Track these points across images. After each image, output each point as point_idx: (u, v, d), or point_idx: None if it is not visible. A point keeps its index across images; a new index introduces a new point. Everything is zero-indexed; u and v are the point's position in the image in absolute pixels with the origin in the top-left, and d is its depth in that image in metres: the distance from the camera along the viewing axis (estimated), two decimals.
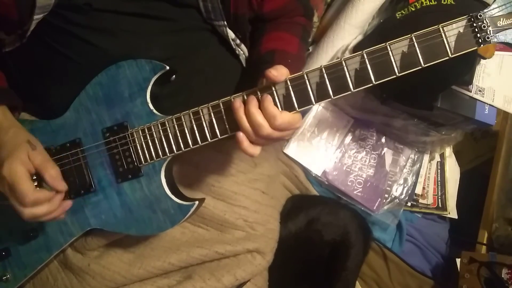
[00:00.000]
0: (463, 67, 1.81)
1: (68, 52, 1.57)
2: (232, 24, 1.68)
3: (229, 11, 1.62)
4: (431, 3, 1.82)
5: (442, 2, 1.81)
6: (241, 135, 1.36)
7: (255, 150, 1.38)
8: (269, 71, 1.33)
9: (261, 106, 1.34)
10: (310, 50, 2.24)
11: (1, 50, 1.62)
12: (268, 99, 1.34)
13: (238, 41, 1.77)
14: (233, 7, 1.61)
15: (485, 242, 2.28)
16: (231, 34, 1.71)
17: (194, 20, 1.63)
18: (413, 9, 1.85)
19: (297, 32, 1.80)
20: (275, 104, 1.36)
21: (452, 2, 1.79)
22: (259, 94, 1.38)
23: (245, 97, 1.39)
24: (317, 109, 2.25)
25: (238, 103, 1.36)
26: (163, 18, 1.59)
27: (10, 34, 1.55)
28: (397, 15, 1.89)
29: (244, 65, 1.86)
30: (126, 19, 1.54)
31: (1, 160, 1.41)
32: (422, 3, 1.83)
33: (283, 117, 1.34)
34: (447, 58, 1.27)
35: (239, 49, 1.80)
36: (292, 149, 2.20)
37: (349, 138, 2.28)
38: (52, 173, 1.46)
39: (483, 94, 1.95)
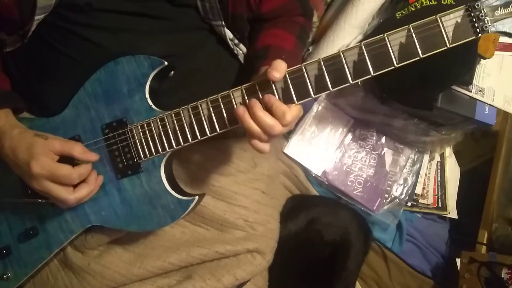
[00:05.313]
0: (463, 67, 1.81)
1: (69, 51, 1.58)
2: (230, 24, 1.69)
3: (227, 10, 1.63)
4: (431, 3, 1.82)
5: (442, 2, 1.81)
6: (253, 142, 1.37)
7: (266, 146, 1.39)
8: (270, 74, 1.31)
9: (269, 105, 1.34)
10: (310, 50, 2.24)
11: (2, 50, 1.63)
12: (274, 98, 1.35)
13: (236, 41, 1.78)
14: (231, 7, 1.62)
15: (485, 242, 2.27)
16: (229, 34, 1.72)
17: (192, 19, 1.64)
18: (413, 9, 1.85)
19: (294, 31, 1.81)
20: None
21: (452, 2, 1.79)
22: (257, 87, 1.38)
23: (244, 91, 1.40)
24: (317, 109, 2.25)
25: (241, 110, 1.35)
26: (162, 18, 1.60)
27: (11, 34, 1.57)
28: (397, 15, 1.90)
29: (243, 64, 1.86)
30: (126, 18, 1.55)
31: (25, 161, 1.43)
32: (422, 3, 1.84)
33: (292, 113, 1.36)
34: (445, 48, 1.27)
35: (238, 49, 1.81)
36: (292, 149, 2.21)
37: (349, 138, 2.28)
38: (79, 148, 1.50)
39: (483, 94, 1.95)
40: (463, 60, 1.63)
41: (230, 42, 1.75)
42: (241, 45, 1.81)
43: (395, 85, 1.75)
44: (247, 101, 1.38)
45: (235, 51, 1.80)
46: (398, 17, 1.90)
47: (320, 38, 2.17)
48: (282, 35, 1.78)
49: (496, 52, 1.81)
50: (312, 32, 2.32)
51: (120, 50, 1.56)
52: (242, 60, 1.86)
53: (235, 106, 1.41)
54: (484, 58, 1.76)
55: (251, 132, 1.35)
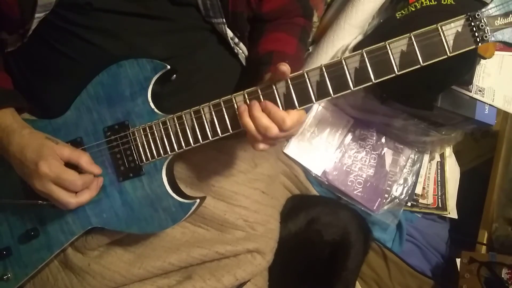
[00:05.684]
0: (463, 67, 1.81)
1: (69, 52, 1.58)
2: (231, 22, 1.69)
3: (228, 8, 1.63)
4: (431, 3, 1.82)
5: (442, 2, 1.81)
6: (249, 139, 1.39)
7: (262, 145, 1.40)
8: (281, 67, 1.32)
9: (266, 112, 1.35)
10: (310, 50, 2.24)
11: (3, 50, 1.63)
12: (271, 105, 1.36)
13: (236, 40, 1.78)
14: (232, 4, 1.62)
15: (485, 242, 2.28)
16: (229, 33, 1.72)
17: (193, 19, 1.64)
18: (413, 9, 1.85)
19: (295, 33, 1.81)
20: (276, 103, 1.37)
21: (452, 2, 1.79)
22: (260, 93, 1.38)
23: (246, 96, 1.40)
24: (317, 109, 2.25)
25: (243, 107, 1.37)
26: (163, 18, 1.60)
27: (12, 33, 1.56)
28: (397, 15, 1.90)
29: (244, 63, 1.87)
30: (126, 19, 1.55)
31: (34, 160, 1.44)
32: (422, 3, 1.84)
33: (292, 118, 1.35)
34: (446, 56, 1.28)
35: (238, 48, 1.81)
36: (292, 149, 2.21)
37: (349, 138, 2.28)
38: (86, 158, 1.52)
39: (483, 94, 1.95)
40: (463, 60, 1.63)
41: (230, 41, 1.75)
42: (241, 44, 1.81)
43: (395, 85, 1.75)
44: (249, 102, 1.39)
45: (235, 50, 1.80)
46: (398, 17, 1.90)
47: (320, 38, 2.17)
48: (284, 38, 1.78)
49: (496, 52, 1.82)
50: (312, 32, 2.32)
51: (120, 52, 1.57)
52: (242, 60, 1.86)
53: (236, 111, 1.41)
54: (484, 58, 1.77)
55: (247, 130, 1.37)
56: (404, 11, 1.88)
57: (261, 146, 1.39)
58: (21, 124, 1.54)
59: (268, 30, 1.81)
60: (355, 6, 2.03)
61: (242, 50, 1.83)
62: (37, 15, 1.46)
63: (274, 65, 1.49)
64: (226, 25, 1.68)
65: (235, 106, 1.42)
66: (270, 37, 1.79)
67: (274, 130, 1.33)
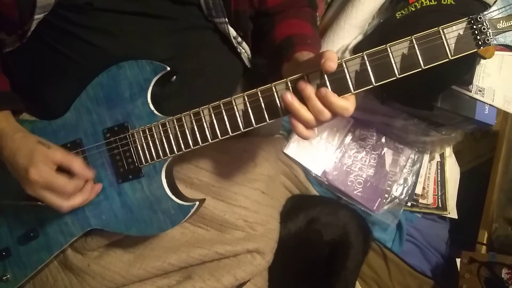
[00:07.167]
0: (463, 67, 1.81)
1: (69, 52, 1.57)
2: (233, 21, 1.68)
3: (230, 7, 1.62)
4: (431, 3, 1.82)
5: (442, 2, 1.81)
6: (295, 122, 1.31)
7: (311, 133, 1.34)
8: (327, 65, 1.24)
9: (324, 101, 1.28)
10: None
11: (2, 51, 1.62)
12: (331, 93, 1.28)
13: (239, 39, 1.77)
14: (234, 3, 1.62)
15: (485, 242, 2.28)
16: (232, 32, 1.71)
17: (195, 18, 1.64)
18: (413, 9, 1.85)
19: (307, 18, 1.79)
20: (277, 106, 1.36)
21: (452, 2, 1.79)
22: (260, 95, 1.37)
23: (246, 99, 1.38)
24: None
25: (289, 96, 1.29)
26: (165, 17, 1.59)
27: (10, 34, 1.55)
28: (397, 15, 1.90)
29: (247, 64, 1.87)
30: (127, 18, 1.54)
31: (24, 166, 1.44)
32: (422, 3, 1.83)
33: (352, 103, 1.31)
34: (447, 60, 1.27)
35: (241, 47, 1.80)
36: (292, 149, 2.20)
37: (349, 138, 2.28)
38: (79, 163, 1.50)
39: (483, 94, 1.95)
40: (463, 60, 1.63)
41: (233, 41, 1.74)
42: (244, 44, 1.81)
43: (396, 85, 1.75)
44: (249, 105, 1.38)
45: (238, 50, 1.80)
46: (398, 17, 1.90)
47: (320, 38, 2.16)
48: (298, 23, 1.76)
49: (496, 52, 1.82)
50: None
51: (120, 53, 1.56)
52: (245, 60, 1.86)
53: (236, 113, 1.40)
54: (484, 58, 1.76)
55: (299, 117, 1.29)
56: (404, 11, 1.88)
57: (306, 133, 1.33)
58: (14, 128, 1.53)
59: (278, 20, 1.78)
60: (355, 6, 2.02)
61: (244, 50, 1.83)
62: (36, 16, 1.45)
63: (298, 46, 1.48)
64: (228, 25, 1.67)
65: (235, 108, 1.40)
66: (283, 24, 1.75)
67: (327, 114, 1.28)
